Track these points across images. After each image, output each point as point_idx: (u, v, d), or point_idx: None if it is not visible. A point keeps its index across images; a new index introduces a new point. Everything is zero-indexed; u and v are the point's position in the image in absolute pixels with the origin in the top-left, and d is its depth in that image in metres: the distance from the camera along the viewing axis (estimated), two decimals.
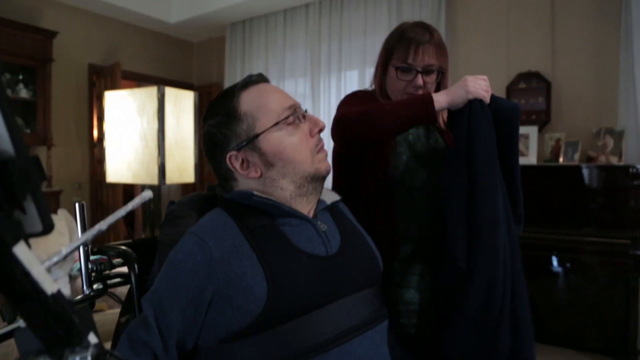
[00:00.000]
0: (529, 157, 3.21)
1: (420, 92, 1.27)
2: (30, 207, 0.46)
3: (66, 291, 0.58)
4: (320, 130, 0.98)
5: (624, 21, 3.02)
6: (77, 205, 1.14)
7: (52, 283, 0.44)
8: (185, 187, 5.28)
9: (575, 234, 2.83)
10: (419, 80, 1.26)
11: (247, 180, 0.94)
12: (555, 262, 2.84)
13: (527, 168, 3.09)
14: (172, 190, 5.35)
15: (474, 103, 1.09)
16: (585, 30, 3.22)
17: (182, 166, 2.91)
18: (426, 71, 1.27)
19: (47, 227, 0.47)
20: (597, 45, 3.19)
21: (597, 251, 2.72)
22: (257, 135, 0.92)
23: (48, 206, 0.46)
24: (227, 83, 5.08)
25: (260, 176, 0.93)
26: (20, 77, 3.96)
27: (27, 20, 3.96)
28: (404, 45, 1.27)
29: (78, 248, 0.51)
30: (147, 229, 4.38)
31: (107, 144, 2.93)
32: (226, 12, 4.70)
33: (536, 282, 2.87)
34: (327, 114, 4.38)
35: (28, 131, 4.00)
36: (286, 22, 4.66)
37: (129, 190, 5.56)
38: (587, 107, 3.23)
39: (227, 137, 0.94)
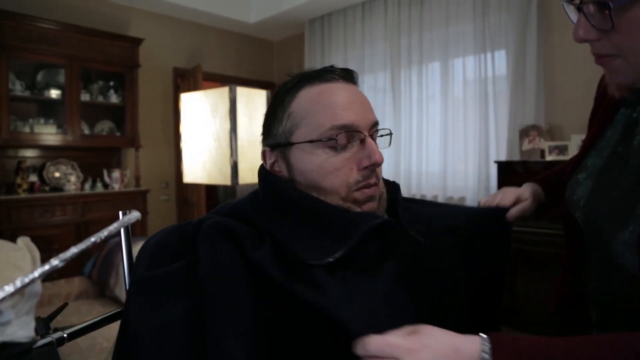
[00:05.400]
0: None
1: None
2: None
3: (24, 333, 0.54)
4: (373, 166, 0.75)
5: None
6: (120, 213, 1.09)
7: None
8: None
9: None
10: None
11: None
12: None
13: None
14: (251, 189, 5.42)
15: None
16: None
17: (255, 166, 2.87)
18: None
19: None
20: None
21: None
22: (290, 144, 0.78)
23: None
24: None
25: None
26: (111, 83, 4.18)
27: (116, 30, 4.18)
28: None
29: (24, 288, 0.42)
30: None
31: (184, 145, 2.99)
32: (305, 8, 4.65)
33: None
34: (407, 108, 4.18)
35: (118, 134, 4.22)
36: (364, 15, 4.51)
37: (211, 188, 5.73)
38: None
39: (268, 128, 0.82)
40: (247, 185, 5.25)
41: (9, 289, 0.42)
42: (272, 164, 0.82)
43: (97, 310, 3.14)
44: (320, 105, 0.76)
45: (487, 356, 0.54)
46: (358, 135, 0.76)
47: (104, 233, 0.51)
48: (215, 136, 2.82)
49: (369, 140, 0.76)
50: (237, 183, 2.76)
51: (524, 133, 3.22)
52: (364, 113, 0.77)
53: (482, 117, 3.67)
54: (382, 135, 0.82)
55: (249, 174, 2.85)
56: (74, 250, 0.47)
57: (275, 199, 0.78)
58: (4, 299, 0.40)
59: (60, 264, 0.46)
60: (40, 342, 0.70)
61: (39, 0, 3.80)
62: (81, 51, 3.82)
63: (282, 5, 4.70)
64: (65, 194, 3.77)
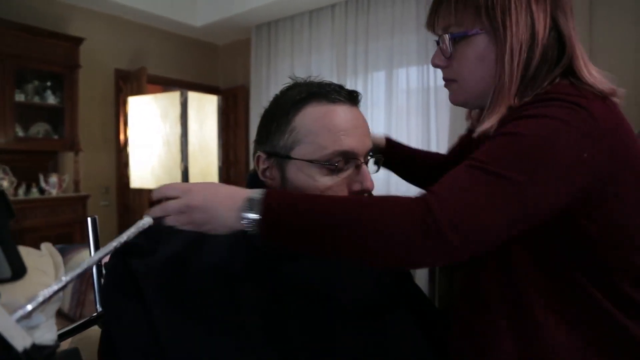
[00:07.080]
0: None
1: None
2: None
3: (51, 336, 0.54)
4: (364, 191, 0.81)
5: None
6: (89, 220, 1.08)
7: (23, 336, 0.37)
8: None
9: None
10: None
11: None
12: None
13: None
14: None
15: None
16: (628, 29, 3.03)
17: (206, 171, 2.88)
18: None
19: (17, 273, 0.40)
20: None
21: None
22: (289, 158, 0.81)
23: (17, 249, 0.39)
24: (253, 86, 5.04)
25: None
26: (49, 83, 3.99)
27: (55, 28, 3.99)
28: None
29: (58, 292, 0.43)
30: None
31: (131, 149, 2.92)
32: (251, 14, 4.65)
33: None
34: None
35: (56, 137, 4.03)
36: (312, 23, 4.59)
37: None
38: None
39: (268, 133, 0.84)
40: None
41: (46, 292, 0.43)
42: (264, 170, 0.85)
43: None
44: (324, 128, 0.79)
45: (258, 195, 0.65)
46: (355, 160, 0.81)
47: (124, 237, 0.53)
48: (165, 140, 2.79)
49: (364, 167, 0.82)
50: None
51: None
52: (363, 138, 0.82)
53: (424, 126, 3.84)
54: (372, 156, 0.88)
55: (199, 179, 2.83)
56: (99, 254, 0.49)
57: None
58: (43, 302, 0.42)
59: (89, 268, 0.47)
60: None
61: None
62: (16, 49, 3.61)
63: (229, 9, 4.67)
64: None
